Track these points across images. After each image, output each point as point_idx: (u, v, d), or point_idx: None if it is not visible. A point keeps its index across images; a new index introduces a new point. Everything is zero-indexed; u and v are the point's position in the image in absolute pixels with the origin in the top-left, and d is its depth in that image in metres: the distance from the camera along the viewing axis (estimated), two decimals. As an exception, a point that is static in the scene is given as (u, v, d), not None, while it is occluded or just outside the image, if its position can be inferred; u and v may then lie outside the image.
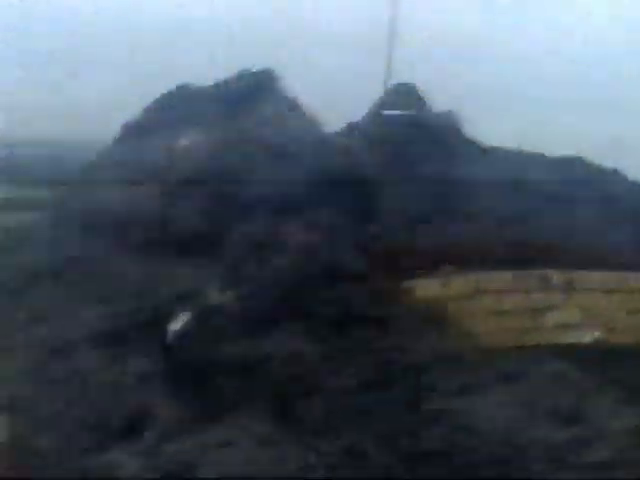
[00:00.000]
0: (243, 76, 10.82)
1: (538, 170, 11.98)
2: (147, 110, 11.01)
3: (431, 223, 10.27)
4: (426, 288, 7.97)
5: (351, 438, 6.09)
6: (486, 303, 8.16)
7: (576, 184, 11.98)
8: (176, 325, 7.16)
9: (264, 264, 7.34)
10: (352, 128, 11.40)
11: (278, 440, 6.30)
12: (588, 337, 8.54)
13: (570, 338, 8.40)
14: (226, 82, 10.82)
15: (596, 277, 9.65)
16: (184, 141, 9.57)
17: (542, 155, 12.61)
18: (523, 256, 9.82)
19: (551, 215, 11.15)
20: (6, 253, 10.92)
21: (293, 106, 10.54)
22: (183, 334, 7.03)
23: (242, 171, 8.58)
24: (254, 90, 10.49)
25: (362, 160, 9.04)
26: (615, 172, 12.34)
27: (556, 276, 9.53)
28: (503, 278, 9.15)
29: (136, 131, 10.78)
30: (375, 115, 12.06)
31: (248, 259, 7.45)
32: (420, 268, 8.14)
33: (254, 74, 10.80)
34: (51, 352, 8.71)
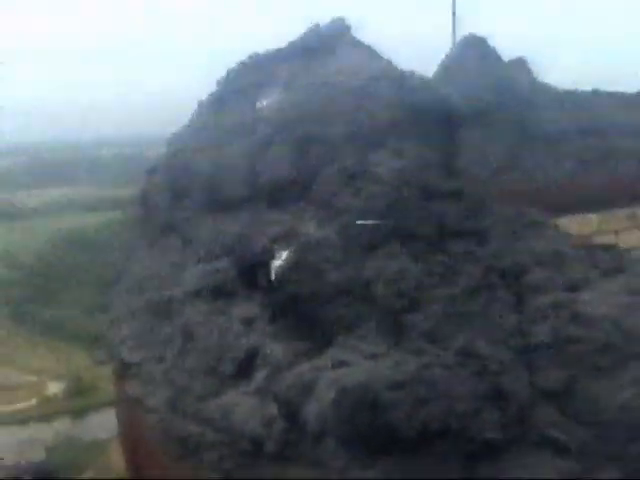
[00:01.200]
0: (316, 29, 10.93)
1: (616, 108, 11.86)
2: (219, 83, 11.19)
3: (516, 167, 10.25)
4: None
5: (462, 340, 6.11)
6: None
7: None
8: (279, 261, 7.26)
9: (358, 194, 7.40)
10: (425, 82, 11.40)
11: (391, 352, 6.34)
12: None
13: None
14: (301, 38, 10.95)
15: None
16: (265, 100, 9.70)
17: (619, 93, 12.47)
18: (609, 196, 9.75)
19: (634, 152, 11.03)
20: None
21: (368, 51, 10.61)
22: (285, 269, 7.13)
23: (326, 115, 8.67)
24: (329, 40, 10.59)
25: (441, 95, 9.05)
26: None
27: None
28: (591, 220, 9.11)
29: (212, 103, 10.96)
30: (447, 68, 12.04)
31: (342, 192, 7.51)
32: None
33: (327, 26, 10.91)
34: (158, 314, 8.96)
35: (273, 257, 7.64)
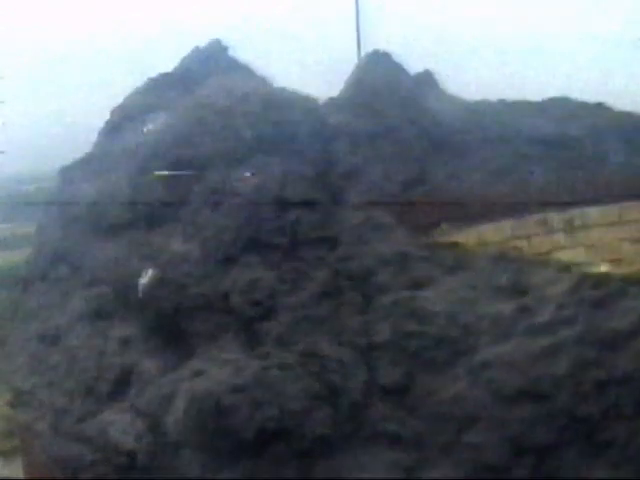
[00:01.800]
0: (196, 51, 11.27)
1: (525, 115, 12.23)
2: (113, 112, 11.48)
3: (423, 181, 10.55)
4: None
5: (307, 342, 6.37)
6: (490, 254, 8.36)
7: (563, 122, 12.20)
8: (144, 279, 7.52)
9: (217, 209, 7.68)
10: (333, 101, 11.73)
11: (239, 359, 6.61)
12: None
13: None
14: (182, 61, 11.29)
15: (595, 212, 9.81)
16: (150, 125, 10.01)
17: (525, 101, 12.83)
18: (520, 203, 10.05)
19: (543, 157, 11.40)
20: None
21: (242, 69, 10.93)
22: (151, 285, 7.39)
23: (197, 136, 8.95)
24: (207, 62, 10.92)
25: (312, 108, 9.36)
26: (600, 105, 12.51)
27: (555, 218, 9.74)
28: (503, 227, 9.41)
29: (107, 131, 11.24)
30: (352, 85, 12.34)
31: (203, 208, 7.79)
32: (418, 228, 8.40)
33: (205, 48, 11.25)
34: (47, 342, 9.20)
35: (142, 275, 7.91)
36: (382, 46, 13.24)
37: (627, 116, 11.71)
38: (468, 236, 8.98)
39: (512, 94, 13.32)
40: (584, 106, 12.43)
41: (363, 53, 13.15)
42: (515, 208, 9.98)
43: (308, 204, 7.57)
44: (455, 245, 7.99)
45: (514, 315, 6.26)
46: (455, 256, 7.31)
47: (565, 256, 9.51)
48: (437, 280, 6.95)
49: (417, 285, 6.87)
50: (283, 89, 9.81)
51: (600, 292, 6.05)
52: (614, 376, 5.52)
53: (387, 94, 11.54)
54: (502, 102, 12.55)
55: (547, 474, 5.56)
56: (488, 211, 9.85)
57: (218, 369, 6.64)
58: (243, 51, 11.84)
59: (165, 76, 11.48)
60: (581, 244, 9.82)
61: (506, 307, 6.33)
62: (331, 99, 11.47)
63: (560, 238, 9.80)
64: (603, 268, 9.15)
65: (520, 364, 5.94)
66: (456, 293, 6.61)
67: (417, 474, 5.60)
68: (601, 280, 6.25)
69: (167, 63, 11.94)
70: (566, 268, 6.85)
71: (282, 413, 5.79)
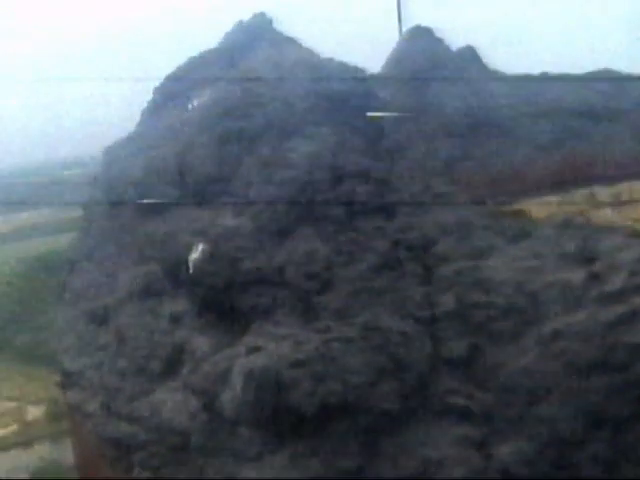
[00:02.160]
0: (239, 26, 11.07)
1: (566, 90, 11.93)
2: (156, 91, 11.32)
3: (467, 158, 10.34)
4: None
5: (368, 315, 6.16)
6: (555, 222, 8.13)
7: (608, 95, 11.91)
8: (195, 254, 7.34)
9: (270, 181, 7.47)
10: (377, 76, 11.54)
11: (298, 333, 6.41)
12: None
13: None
14: (226, 36, 11.10)
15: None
16: (195, 101, 9.83)
17: (569, 75, 12.54)
18: (567, 178, 9.82)
19: (587, 132, 11.13)
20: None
21: (288, 41, 10.73)
22: (201, 261, 7.20)
23: (245, 109, 8.76)
24: (251, 36, 10.71)
25: (360, 81, 9.15)
26: (646, 77, 12.18)
27: (602, 192, 9.54)
28: (550, 203, 9.15)
29: (150, 111, 11.09)
30: (394, 61, 12.15)
31: (256, 181, 7.59)
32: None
33: (249, 22, 11.04)
34: (95, 322, 9.06)
35: (192, 251, 7.72)
36: (423, 22, 13.00)
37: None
38: (516, 212, 8.73)
39: (556, 68, 13.00)
40: (629, 78, 12.10)
41: (405, 29, 12.93)
42: (562, 183, 9.74)
43: (362, 174, 7.34)
44: (518, 213, 7.71)
45: (584, 283, 6.02)
46: (518, 224, 7.06)
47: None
48: (501, 249, 6.71)
49: (480, 254, 6.64)
50: (331, 60, 9.59)
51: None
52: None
53: (429, 70, 11.33)
54: (545, 75, 12.25)
55: (624, 447, 5.34)
56: (534, 187, 9.62)
57: (275, 344, 6.45)
58: (288, 25, 11.63)
59: (209, 52, 11.30)
60: (629, 218, 9.52)
61: (575, 275, 6.08)
62: (374, 74, 11.26)
63: (607, 213, 9.53)
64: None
65: (593, 334, 5.70)
66: (521, 262, 6.37)
67: (488, 449, 5.38)
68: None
69: (210, 41, 11.77)
70: (635, 234, 6.57)
71: (346, 387, 5.58)
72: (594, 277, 5.97)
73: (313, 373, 5.83)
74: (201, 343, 7.42)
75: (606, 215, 9.55)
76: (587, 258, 6.29)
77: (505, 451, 5.41)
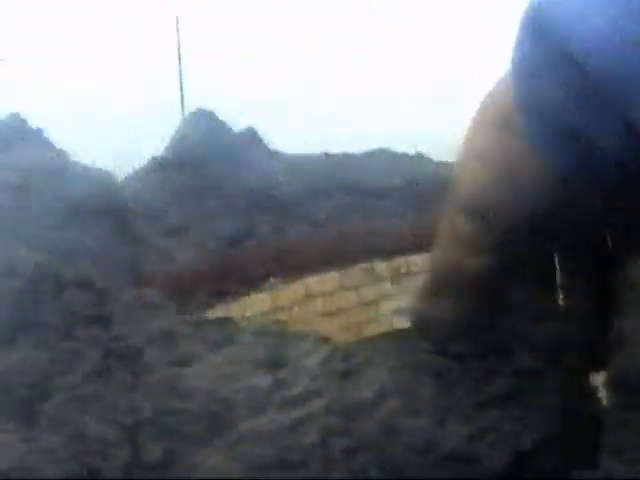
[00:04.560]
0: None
1: (345, 168, 12.59)
2: None
3: (245, 240, 10.81)
4: (254, 304, 8.33)
5: (76, 424, 6.54)
6: (317, 306, 8.50)
7: (383, 174, 12.64)
8: None
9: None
10: (157, 162, 11.91)
11: (11, 442, 6.75)
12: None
13: (407, 322, 8.92)
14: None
15: (418, 260, 10.19)
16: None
17: (347, 154, 13.18)
18: (347, 253, 10.36)
19: (365, 208, 11.77)
20: None
21: (40, 143, 11.05)
22: None
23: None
24: (4, 135, 10.99)
25: (103, 183, 9.54)
26: (420, 155, 12.98)
27: (381, 266, 10.05)
28: (330, 278, 9.62)
29: None
30: (175, 143, 12.62)
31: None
32: (241, 286, 8.51)
33: (2, 121, 11.30)
34: None
35: None
36: (206, 104, 13.52)
37: (446, 165, 12.23)
38: (296, 289, 9.22)
39: (336, 146, 13.72)
40: (404, 157, 12.91)
41: (187, 112, 13.32)
42: (342, 258, 10.24)
43: (84, 284, 7.75)
44: (224, 320, 8.19)
45: (270, 388, 6.54)
46: (222, 331, 7.53)
47: (393, 304, 9.84)
48: (202, 357, 7.16)
49: (182, 362, 7.08)
50: (76, 163, 9.92)
51: (348, 363, 6.39)
52: (361, 443, 5.86)
53: (209, 152, 11.80)
54: (324, 155, 12.91)
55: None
56: (314, 262, 10.09)
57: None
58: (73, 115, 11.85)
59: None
60: (407, 291, 10.15)
61: (263, 381, 6.60)
62: (154, 158, 11.68)
63: (388, 286, 10.13)
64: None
65: (273, 436, 6.24)
66: (219, 369, 6.84)
67: None
68: (349, 351, 6.61)
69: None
70: (323, 339, 7.17)
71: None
72: (280, 382, 6.47)
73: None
74: None
75: (386, 289, 10.11)
76: (276, 364, 6.80)
77: None
